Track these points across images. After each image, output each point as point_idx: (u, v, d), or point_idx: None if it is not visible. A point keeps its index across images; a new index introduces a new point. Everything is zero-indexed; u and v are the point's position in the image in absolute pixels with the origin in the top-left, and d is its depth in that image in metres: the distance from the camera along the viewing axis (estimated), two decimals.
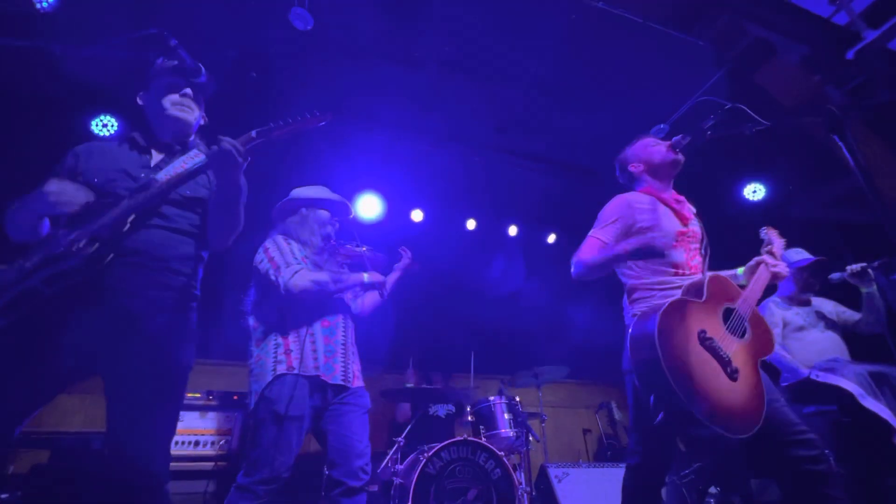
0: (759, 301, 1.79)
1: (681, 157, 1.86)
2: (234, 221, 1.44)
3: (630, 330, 1.58)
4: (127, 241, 1.29)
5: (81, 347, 1.23)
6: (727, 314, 1.57)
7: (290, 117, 1.39)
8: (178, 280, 1.38)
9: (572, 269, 1.74)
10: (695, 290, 1.60)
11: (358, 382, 1.97)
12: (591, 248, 1.71)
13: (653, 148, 1.91)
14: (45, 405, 1.26)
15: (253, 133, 1.35)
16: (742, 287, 1.68)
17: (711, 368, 1.43)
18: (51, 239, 1.27)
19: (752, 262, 1.81)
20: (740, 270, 1.85)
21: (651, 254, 1.55)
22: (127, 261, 1.28)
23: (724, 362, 1.45)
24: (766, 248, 1.85)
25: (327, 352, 1.91)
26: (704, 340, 1.47)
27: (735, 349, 1.50)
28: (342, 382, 1.87)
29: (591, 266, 1.67)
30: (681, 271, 1.71)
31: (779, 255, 1.82)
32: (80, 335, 1.22)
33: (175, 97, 1.51)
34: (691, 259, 1.74)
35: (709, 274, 1.65)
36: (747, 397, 1.43)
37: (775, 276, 1.75)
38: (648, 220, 1.71)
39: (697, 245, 1.78)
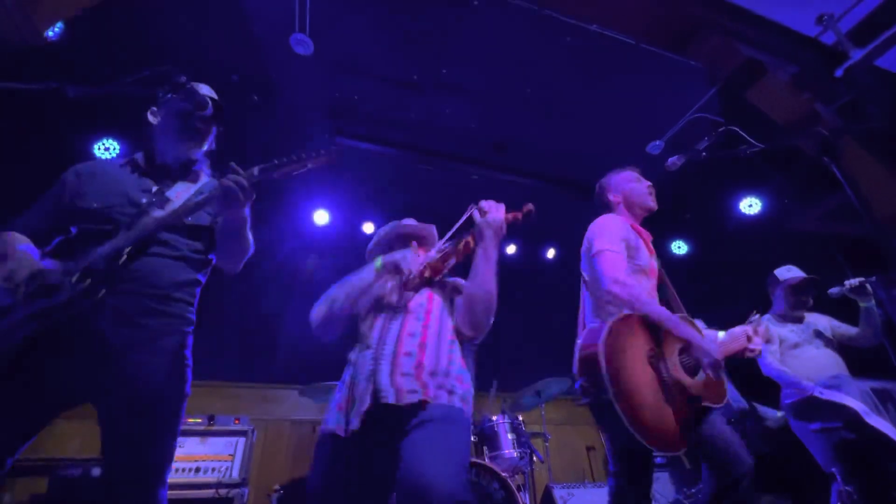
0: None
1: (654, 205, 1.98)
2: (244, 247, 1.44)
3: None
4: (123, 269, 1.27)
5: (71, 378, 1.22)
6: (682, 351, 1.66)
7: (295, 154, 1.33)
8: (175, 307, 1.35)
9: (611, 287, 1.66)
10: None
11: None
12: (616, 262, 1.71)
13: (634, 184, 2.00)
14: (36, 436, 1.24)
15: (255, 171, 1.29)
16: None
17: (650, 381, 1.53)
18: (43, 272, 1.24)
19: (736, 329, 1.80)
20: (721, 334, 1.85)
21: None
22: (121, 289, 1.26)
23: (665, 384, 1.55)
24: (754, 323, 1.82)
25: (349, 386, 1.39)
26: (651, 357, 1.58)
27: (680, 379, 1.59)
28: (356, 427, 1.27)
29: (640, 308, 1.63)
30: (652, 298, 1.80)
31: (760, 340, 1.78)
32: (70, 366, 1.21)
33: (185, 124, 1.50)
34: (652, 293, 1.81)
35: (682, 314, 1.75)
36: (676, 424, 1.50)
37: (744, 351, 1.75)
38: (634, 241, 1.84)
39: (655, 281, 1.86)
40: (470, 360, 1.56)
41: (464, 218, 1.55)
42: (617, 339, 1.54)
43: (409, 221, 1.82)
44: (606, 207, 2.04)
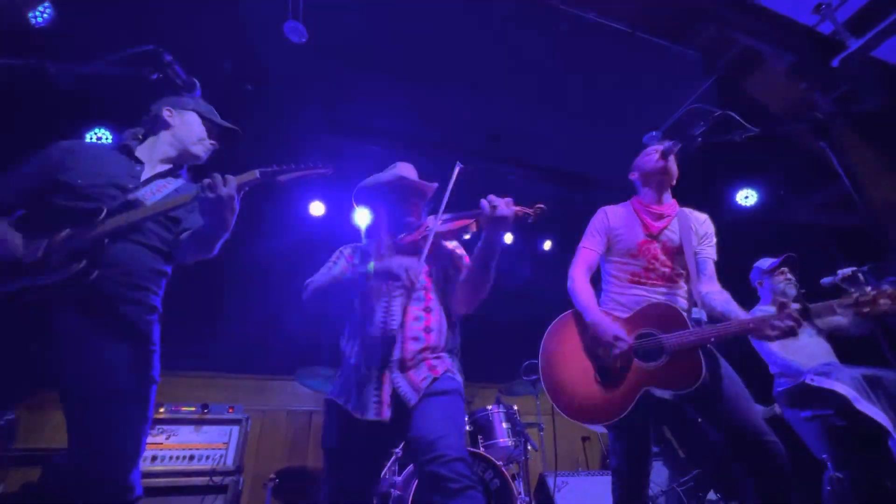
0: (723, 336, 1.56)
1: (670, 164, 1.90)
2: (209, 250, 1.45)
3: None
4: (104, 253, 1.29)
5: (42, 362, 1.21)
6: (642, 337, 1.69)
7: (295, 163, 1.39)
8: (144, 294, 1.37)
9: (568, 281, 1.89)
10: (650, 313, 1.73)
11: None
12: (584, 260, 1.91)
13: (646, 157, 1.97)
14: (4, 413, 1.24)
15: (256, 173, 1.34)
16: (699, 323, 1.69)
17: (582, 368, 1.75)
18: (15, 246, 1.24)
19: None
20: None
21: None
22: (100, 273, 1.27)
23: (599, 368, 1.70)
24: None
25: (349, 376, 1.50)
26: (589, 345, 1.77)
27: (625, 365, 1.66)
28: (374, 418, 1.38)
29: (574, 299, 1.85)
30: (638, 280, 1.83)
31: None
32: (42, 349, 1.21)
33: (205, 137, 1.60)
34: (652, 270, 1.83)
35: (657, 301, 1.76)
36: (603, 404, 1.66)
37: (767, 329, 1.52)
38: (619, 228, 1.91)
39: (667, 258, 1.83)
40: (457, 326, 1.67)
41: (453, 180, 1.58)
42: (552, 337, 1.89)
43: (410, 171, 1.76)
44: (633, 190, 2.08)
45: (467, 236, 1.55)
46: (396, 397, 1.40)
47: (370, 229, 1.76)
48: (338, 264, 1.69)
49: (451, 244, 1.73)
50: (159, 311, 1.44)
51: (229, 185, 1.26)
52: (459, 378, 1.52)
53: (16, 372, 1.20)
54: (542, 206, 1.49)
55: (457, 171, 1.59)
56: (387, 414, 1.37)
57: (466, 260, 1.67)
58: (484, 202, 1.43)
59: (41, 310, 1.21)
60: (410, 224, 1.67)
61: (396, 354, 1.44)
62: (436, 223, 1.53)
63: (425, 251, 1.46)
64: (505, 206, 1.40)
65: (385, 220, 1.71)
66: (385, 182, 1.73)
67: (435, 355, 1.49)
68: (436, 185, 1.75)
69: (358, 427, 1.39)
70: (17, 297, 1.18)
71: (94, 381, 1.22)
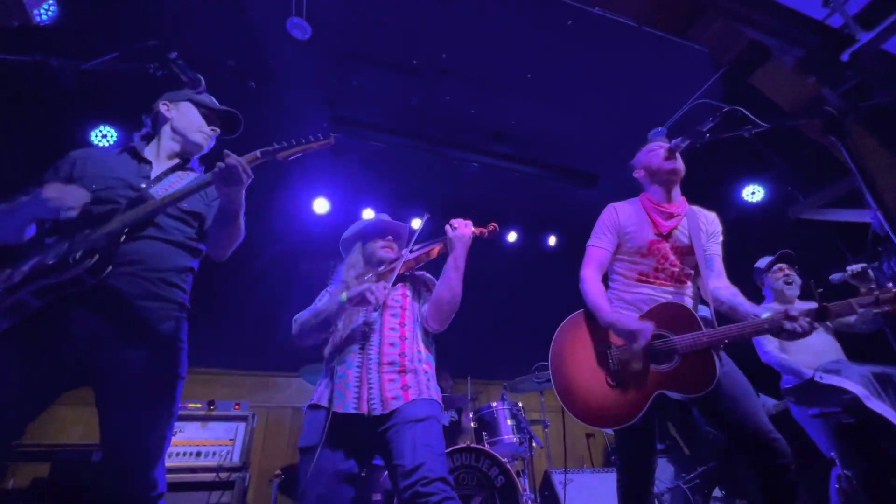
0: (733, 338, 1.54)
1: (678, 163, 1.86)
2: (236, 234, 1.47)
3: None
4: (122, 251, 1.30)
5: (75, 358, 1.23)
6: (654, 339, 1.64)
7: (295, 139, 1.40)
8: (172, 291, 1.39)
9: (580, 281, 1.86)
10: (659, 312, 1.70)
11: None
12: (595, 259, 1.87)
13: (651, 153, 1.92)
14: (38, 416, 1.25)
15: (258, 153, 1.37)
16: (709, 322, 1.64)
17: (591, 370, 1.72)
18: (38, 247, 1.27)
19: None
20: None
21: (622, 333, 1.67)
22: (122, 271, 1.29)
23: (611, 372, 1.67)
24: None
25: (340, 377, 1.61)
26: (600, 346, 1.75)
27: (634, 365, 1.63)
28: (353, 411, 1.50)
29: (587, 300, 1.81)
30: (645, 279, 1.79)
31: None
32: (73, 345, 1.22)
33: (204, 125, 1.60)
34: (662, 269, 1.79)
35: (668, 301, 1.72)
36: (616, 408, 1.63)
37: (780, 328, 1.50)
38: (629, 226, 1.86)
39: (676, 258, 1.79)
40: (432, 344, 1.84)
41: (421, 226, 1.88)
42: (562, 337, 1.85)
43: (386, 217, 1.99)
44: (639, 187, 2.02)
45: (435, 253, 1.78)
46: (368, 400, 1.51)
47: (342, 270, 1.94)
48: (322, 300, 1.80)
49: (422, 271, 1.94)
50: (187, 307, 1.45)
51: (237, 158, 1.30)
52: (435, 394, 1.62)
53: (47, 374, 1.22)
54: (494, 225, 1.82)
55: (425, 219, 1.93)
56: (364, 408, 1.49)
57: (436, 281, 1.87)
58: (448, 227, 1.71)
59: (63, 310, 1.23)
60: (387, 258, 1.88)
61: (374, 357, 1.59)
62: (406, 254, 1.78)
63: (393, 276, 1.70)
64: (465, 227, 1.71)
65: (366, 255, 1.91)
66: (366, 225, 1.95)
67: (411, 366, 1.60)
68: (407, 225, 1.99)
69: (332, 425, 1.48)
70: (40, 296, 1.20)
71: (118, 378, 1.24)
